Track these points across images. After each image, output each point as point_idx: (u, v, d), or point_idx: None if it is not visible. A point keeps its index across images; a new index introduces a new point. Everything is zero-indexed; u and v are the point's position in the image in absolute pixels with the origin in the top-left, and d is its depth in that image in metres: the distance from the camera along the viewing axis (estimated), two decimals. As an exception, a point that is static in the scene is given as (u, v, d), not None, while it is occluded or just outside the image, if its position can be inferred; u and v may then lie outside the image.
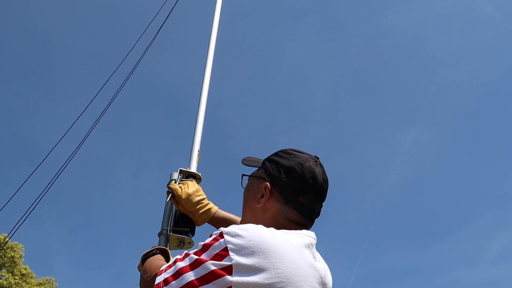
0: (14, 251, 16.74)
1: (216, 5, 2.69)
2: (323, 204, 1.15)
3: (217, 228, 0.99)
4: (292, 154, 1.16)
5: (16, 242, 16.98)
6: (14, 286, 15.78)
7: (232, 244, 0.89)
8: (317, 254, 1.02)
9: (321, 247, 1.08)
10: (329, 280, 1.01)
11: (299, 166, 1.11)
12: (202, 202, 1.50)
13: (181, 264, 0.92)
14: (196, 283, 0.87)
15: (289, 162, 1.13)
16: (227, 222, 1.44)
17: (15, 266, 16.60)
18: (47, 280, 17.32)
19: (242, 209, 1.23)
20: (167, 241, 1.51)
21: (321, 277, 0.96)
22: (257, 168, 1.22)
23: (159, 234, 1.53)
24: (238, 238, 0.90)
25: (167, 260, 1.24)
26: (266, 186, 1.12)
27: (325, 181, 1.14)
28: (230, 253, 0.88)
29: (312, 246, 1.00)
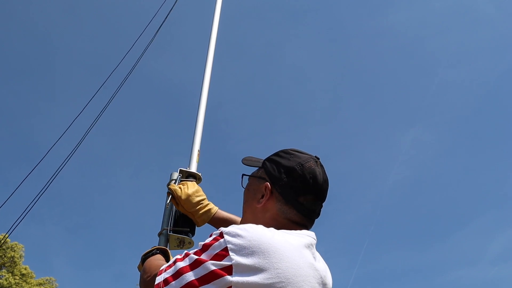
0: (14, 251, 16.75)
1: (216, 5, 2.69)
2: (323, 204, 1.15)
3: (218, 228, 0.99)
4: (292, 154, 1.16)
5: (16, 242, 17.00)
6: (14, 286, 15.79)
7: (232, 244, 0.89)
8: (317, 254, 1.02)
9: (321, 247, 1.08)
10: (329, 280, 1.01)
11: (300, 166, 1.11)
12: (202, 203, 1.50)
13: (181, 264, 0.92)
14: (196, 283, 0.87)
15: (290, 162, 1.13)
16: (227, 223, 1.44)
17: (15, 266, 16.61)
18: (47, 280, 17.33)
19: (242, 209, 1.23)
20: (167, 241, 1.51)
21: (321, 277, 0.96)
22: (258, 168, 1.22)
23: (159, 234, 1.53)
24: (238, 238, 0.90)
25: (167, 260, 1.24)
26: (266, 186, 1.12)
27: (326, 181, 1.14)
28: (230, 253, 0.88)
29: (312, 246, 1.00)
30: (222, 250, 0.89)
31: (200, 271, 0.88)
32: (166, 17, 4.04)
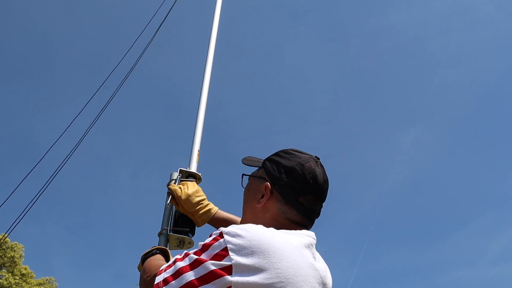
0: (14, 251, 16.75)
1: (216, 5, 2.69)
2: (323, 204, 1.15)
3: (217, 228, 0.99)
4: (292, 154, 1.16)
5: (16, 242, 17.00)
6: (14, 286, 15.79)
7: (232, 244, 0.89)
8: (317, 254, 1.02)
9: (321, 247, 1.08)
10: (329, 280, 1.01)
11: (300, 166, 1.11)
12: (202, 203, 1.50)
13: (180, 264, 0.92)
14: (196, 283, 0.87)
15: (290, 162, 1.13)
16: (228, 223, 1.44)
17: (15, 266, 16.61)
18: (47, 280, 17.33)
19: (242, 209, 1.23)
20: (167, 241, 1.51)
21: (321, 277, 0.96)
22: (258, 168, 1.22)
23: (159, 234, 1.53)
24: (238, 238, 0.90)
25: (167, 260, 1.24)
26: (266, 186, 1.12)
27: (326, 181, 1.14)
28: (230, 253, 0.88)
29: (312, 246, 1.00)
30: (222, 250, 0.89)
31: (200, 271, 0.88)
32: (166, 17, 4.05)
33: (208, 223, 1.53)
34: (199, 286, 0.86)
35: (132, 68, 3.60)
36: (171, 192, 1.52)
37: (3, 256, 16.52)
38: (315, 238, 1.04)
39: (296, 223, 1.09)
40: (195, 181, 1.61)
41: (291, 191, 1.10)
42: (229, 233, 0.91)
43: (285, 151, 1.18)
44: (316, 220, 1.14)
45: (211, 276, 0.86)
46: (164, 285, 0.91)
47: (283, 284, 0.87)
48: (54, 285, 17.43)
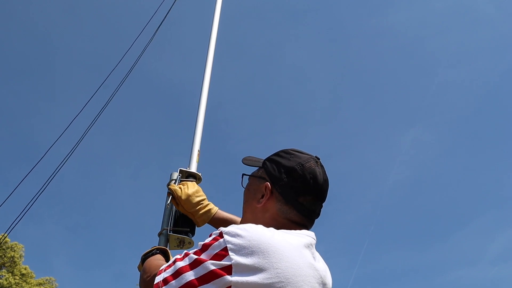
0: (14, 251, 16.74)
1: (216, 5, 2.69)
2: (323, 204, 1.15)
3: (218, 228, 0.99)
4: (293, 154, 1.16)
5: (16, 242, 16.99)
6: (14, 286, 15.78)
7: (232, 244, 0.89)
8: (317, 254, 1.02)
9: (321, 247, 1.08)
10: (329, 280, 1.01)
11: (300, 166, 1.11)
12: (202, 203, 1.50)
13: (180, 264, 0.92)
14: (196, 282, 0.87)
15: (290, 162, 1.13)
16: (228, 223, 1.44)
17: (15, 266, 16.60)
18: (47, 280, 17.32)
19: (242, 209, 1.23)
20: (167, 241, 1.51)
21: (320, 277, 0.96)
22: (258, 168, 1.22)
23: (159, 234, 1.53)
24: (238, 238, 0.90)
25: (167, 260, 1.24)
26: (266, 186, 1.12)
27: (326, 181, 1.14)
28: (230, 253, 0.88)
29: (312, 246, 1.00)
30: (222, 250, 0.89)
31: (200, 271, 0.88)
32: (165, 17, 4.05)
33: (208, 223, 1.53)
34: (198, 286, 0.86)
35: (132, 68, 3.60)
36: (171, 192, 1.52)
37: (3, 256, 16.52)
38: (315, 238, 1.04)
39: (296, 223, 1.09)
40: (195, 181, 1.61)
41: (291, 191, 1.10)
42: (229, 233, 0.91)
43: (285, 151, 1.18)
44: (316, 220, 1.14)
45: (211, 276, 0.86)
46: (164, 285, 0.91)
47: (282, 284, 0.87)
48: (54, 285, 17.43)
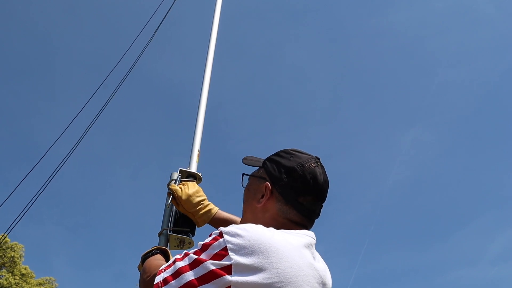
0: (14, 251, 16.74)
1: (216, 5, 2.69)
2: (323, 204, 1.15)
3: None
4: (293, 154, 1.16)
5: (16, 242, 16.98)
6: (14, 286, 15.78)
7: (232, 244, 0.89)
8: (317, 254, 1.01)
9: (321, 247, 1.08)
10: (328, 280, 1.01)
11: (300, 166, 1.11)
12: (202, 203, 1.50)
13: (180, 264, 0.92)
14: (196, 282, 0.87)
15: (290, 162, 1.13)
16: (228, 223, 1.44)
17: (15, 266, 16.59)
18: (47, 280, 17.32)
19: (242, 209, 1.23)
20: (167, 241, 1.51)
21: (320, 277, 0.96)
22: (258, 167, 1.22)
23: (159, 234, 1.53)
24: (238, 237, 0.89)
25: (167, 260, 1.23)
26: (266, 186, 1.12)
27: (326, 182, 1.14)
28: (230, 252, 0.87)
29: (312, 246, 1.00)
30: (222, 249, 0.89)
31: (200, 271, 0.88)
32: (165, 16, 4.04)
33: (208, 223, 1.53)
34: (198, 286, 0.86)
35: (132, 68, 3.60)
36: (171, 192, 1.52)
37: (3, 256, 16.51)
38: (315, 238, 1.04)
39: (296, 223, 1.09)
40: (195, 181, 1.61)
41: (291, 191, 1.09)
42: (229, 232, 0.91)
43: (285, 151, 1.18)
44: (316, 220, 1.14)
45: (211, 275, 0.86)
46: (164, 285, 0.90)
47: (282, 284, 0.87)
48: (54, 285, 17.42)
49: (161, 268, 0.97)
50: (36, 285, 16.71)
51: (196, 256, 0.91)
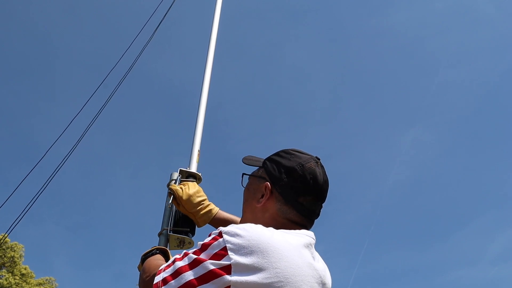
0: (14, 251, 16.74)
1: (216, 5, 2.69)
2: (323, 205, 1.15)
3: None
4: (293, 154, 1.16)
5: (16, 242, 16.98)
6: (14, 286, 15.78)
7: (231, 244, 0.89)
8: (316, 254, 1.01)
9: (321, 247, 1.08)
10: (328, 280, 1.01)
11: (300, 166, 1.11)
12: (203, 203, 1.50)
13: (180, 264, 0.92)
14: (195, 282, 0.87)
15: (290, 162, 1.13)
16: (228, 223, 1.43)
17: (15, 266, 16.59)
18: (47, 280, 17.31)
19: (242, 209, 1.22)
20: (167, 241, 1.51)
21: (320, 277, 0.96)
22: (258, 167, 1.22)
23: (159, 234, 1.53)
24: (237, 237, 0.89)
25: (167, 260, 1.23)
26: (266, 186, 1.12)
27: (326, 182, 1.14)
28: (229, 252, 0.87)
29: (311, 246, 1.00)
30: (221, 249, 0.89)
31: (199, 271, 0.88)
32: (165, 16, 4.04)
33: (209, 223, 1.53)
34: (198, 286, 0.86)
35: (131, 67, 3.60)
36: (172, 192, 1.52)
37: (3, 256, 16.51)
38: (314, 238, 1.04)
39: (296, 223, 1.09)
40: (195, 181, 1.61)
41: (291, 191, 1.09)
42: (228, 232, 0.91)
43: (285, 151, 1.18)
44: (316, 220, 1.14)
45: (210, 275, 0.86)
46: (163, 285, 0.90)
47: (282, 284, 0.87)
48: (54, 285, 17.42)
49: (160, 268, 0.97)
50: (36, 285, 16.71)
51: (195, 256, 0.91)
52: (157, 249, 1.29)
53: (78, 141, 3.37)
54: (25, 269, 16.72)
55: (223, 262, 0.87)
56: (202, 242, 0.94)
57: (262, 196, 1.12)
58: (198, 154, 1.80)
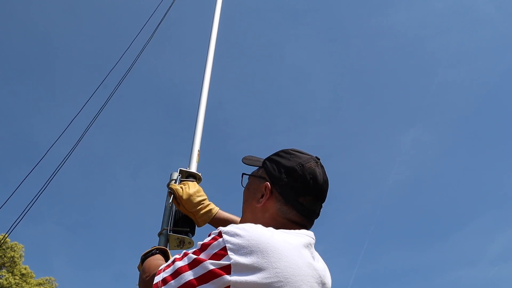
0: (14, 251, 16.73)
1: (216, 5, 2.69)
2: (323, 205, 1.15)
3: None
4: (293, 154, 1.16)
5: (16, 242, 16.98)
6: (14, 286, 15.78)
7: (231, 244, 0.88)
8: (316, 254, 1.01)
9: (321, 247, 1.07)
10: (328, 280, 1.01)
11: (300, 166, 1.11)
12: (203, 203, 1.50)
13: (179, 264, 0.92)
14: (195, 282, 0.87)
15: (290, 162, 1.13)
16: (228, 223, 1.43)
17: (15, 266, 16.59)
18: (47, 280, 17.31)
19: (241, 209, 1.22)
20: (167, 241, 1.51)
21: (320, 277, 0.96)
22: (258, 167, 1.22)
23: (159, 234, 1.53)
24: (237, 237, 0.89)
25: (167, 260, 1.23)
26: (266, 186, 1.12)
27: (326, 182, 1.14)
28: (229, 252, 0.87)
29: (311, 246, 1.00)
30: (221, 249, 0.89)
31: (199, 271, 0.88)
32: (164, 16, 4.04)
33: (209, 223, 1.53)
34: (197, 286, 0.86)
35: (131, 67, 3.60)
36: (172, 192, 1.52)
37: (3, 256, 16.51)
38: (314, 238, 1.04)
39: (296, 223, 1.09)
40: (195, 181, 1.61)
41: (291, 191, 1.09)
42: (228, 232, 0.91)
43: (285, 151, 1.18)
44: (316, 220, 1.14)
45: (210, 275, 0.86)
46: (163, 285, 0.90)
47: (281, 284, 0.87)
48: (54, 285, 17.42)
49: (160, 268, 0.97)
50: (36, 285, 16.71)
51: (195, 256, 0.91)
52: (157, 249, 1.29)
53: (78, 141, 3.37)
54: (25, 269, 16.72)
55: (223, 262, 0.87)
56: (201, 242, 0.94)
57: (262, 196, 1.12)
58: (198, 154, 1.80)
